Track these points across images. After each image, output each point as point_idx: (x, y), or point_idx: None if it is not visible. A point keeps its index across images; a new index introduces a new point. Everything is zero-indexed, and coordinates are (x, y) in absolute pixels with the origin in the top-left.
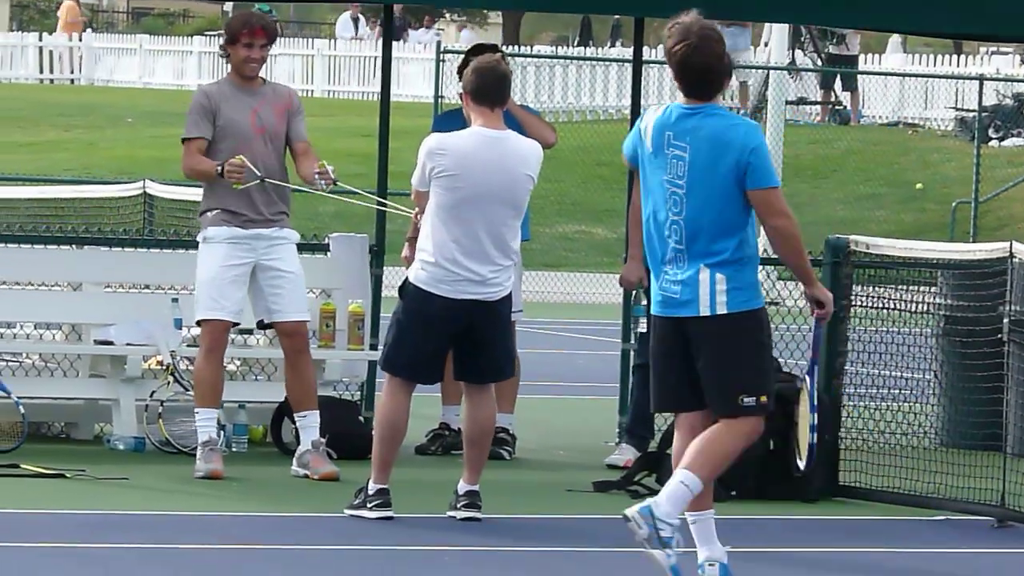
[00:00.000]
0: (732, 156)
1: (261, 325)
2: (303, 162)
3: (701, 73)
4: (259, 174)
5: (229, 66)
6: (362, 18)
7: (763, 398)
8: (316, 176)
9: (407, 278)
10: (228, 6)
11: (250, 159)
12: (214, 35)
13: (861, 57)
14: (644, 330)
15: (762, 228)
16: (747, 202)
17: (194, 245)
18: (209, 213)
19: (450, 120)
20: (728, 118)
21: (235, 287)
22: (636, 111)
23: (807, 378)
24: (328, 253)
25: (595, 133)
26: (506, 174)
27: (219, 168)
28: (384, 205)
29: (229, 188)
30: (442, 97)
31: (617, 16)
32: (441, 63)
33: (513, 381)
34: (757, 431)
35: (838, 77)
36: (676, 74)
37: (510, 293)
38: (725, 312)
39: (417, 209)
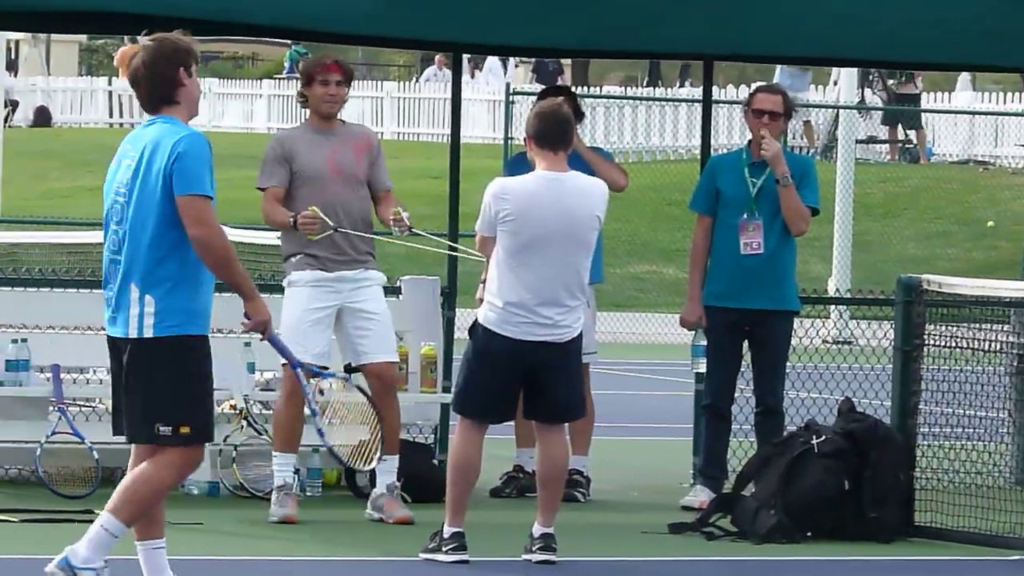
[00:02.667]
0: (160, 164)
1: (348, 369)
2: (382, 208)
3: (137, 85)
4: (332, 225)
5: (307, 111)
6: (512, 60)
7: (183, 428)
8: (391, 223)
9: (476, 319)
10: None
11: (328, 201)
12: (283, 78)
13: (931, 95)
14: (702, 370)
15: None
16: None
17: (266, 289)
18: (293, 258)
19: (521, 163)
20: (173, 127)
21: (318, 330)
22: (706, 151)
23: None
24: (400, 296)
25: (665, 173)
26: (570, 215)
27: (292, 219)
28: (455, 250)
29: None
30: (511, 139)
31: None
32: (510, 104)
33: (587, 423)
34: (186, 462)
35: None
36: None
37: (580, 333)
38: (151, 336)
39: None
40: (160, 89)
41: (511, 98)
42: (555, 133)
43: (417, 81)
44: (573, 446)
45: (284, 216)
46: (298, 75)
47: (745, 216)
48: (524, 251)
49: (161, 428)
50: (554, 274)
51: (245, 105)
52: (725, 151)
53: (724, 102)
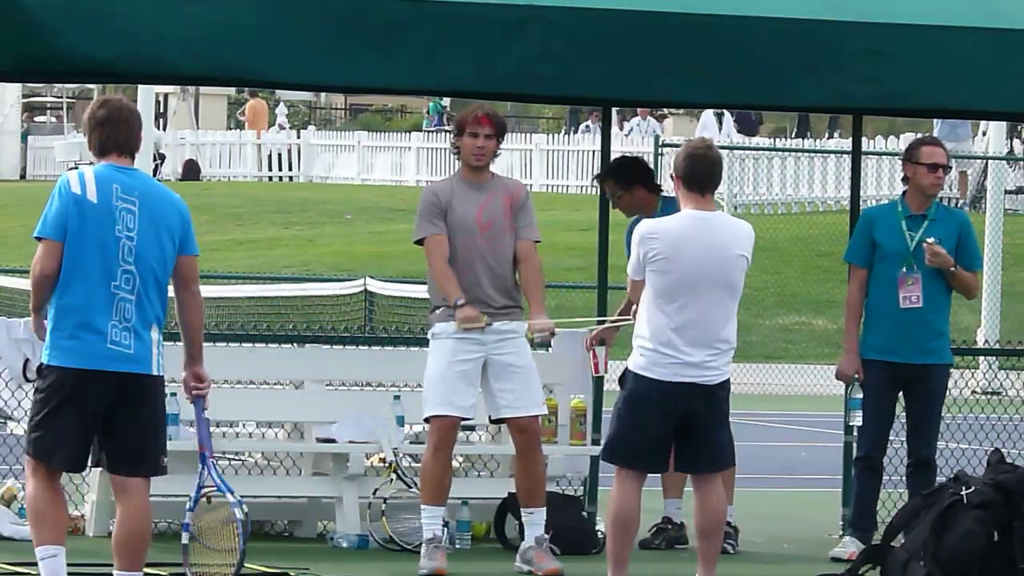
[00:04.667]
0: (173, 223)
1: (492, 420)
2: (524, 267)
3: (119, 127)
4: (487, 323)
5: (459, 162)
6: (727, 114)
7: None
8: (537, 336)
9: (627, 367)
10: (445, 102)
11: (477, 254)
12: (431, 131)
13: None
14: (859, 423)
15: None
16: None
17: (415, 342)
18: (438, 310)
19: (667, 213)
20: (156, 182)
21: (465, 383)
22: (856, 203)
23: (211, 478)
24: (549, 349)
25: (813, 224)
26: (719, 254)
27: (456, 304)
28: (603, 322)
29: (460, 282)
30: (662, 190)
31: None
32: (659, 156)
33: (730, 472)
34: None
35: None
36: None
37: (728, 379)
38: (160, 373)
39: (634, 308)
40: (137, 137)
41: (659, 150)
42: (704, 174)
43: (567, 134)
44: None
45: (453, 292)
46: (442, 127)
47: (904, 270)
48: (673, 291)
49: (164, 460)
50: (703, 314)
51: (394, 157)
52: (874, 202)
53: (873, 153)
